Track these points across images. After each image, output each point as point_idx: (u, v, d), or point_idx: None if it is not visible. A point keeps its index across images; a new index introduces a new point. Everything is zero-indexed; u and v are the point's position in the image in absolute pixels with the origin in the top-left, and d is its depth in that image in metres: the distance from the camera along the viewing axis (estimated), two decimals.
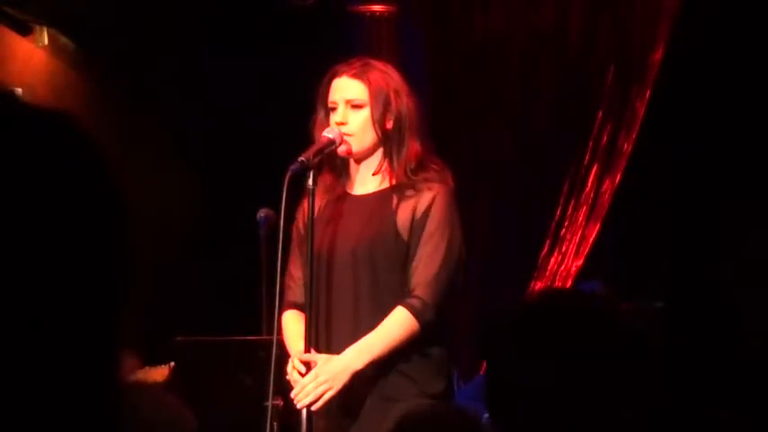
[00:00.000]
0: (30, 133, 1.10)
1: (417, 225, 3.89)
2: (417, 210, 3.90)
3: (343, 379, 3.79)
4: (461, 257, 3.95)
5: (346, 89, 3.95)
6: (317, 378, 3.78)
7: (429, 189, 3.91)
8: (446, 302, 3.90)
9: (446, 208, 3.91)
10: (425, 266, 3.87)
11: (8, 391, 1.07)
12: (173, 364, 4.71)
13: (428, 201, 3.90)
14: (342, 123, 3.93)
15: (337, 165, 4.02)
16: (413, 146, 3.94)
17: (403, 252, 3.89)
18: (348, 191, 4.03)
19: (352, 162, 4.02)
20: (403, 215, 3.91)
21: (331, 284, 3.92)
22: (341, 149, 3.94)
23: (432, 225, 3.89)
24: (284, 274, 3.96)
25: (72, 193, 1.10)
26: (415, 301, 3.84)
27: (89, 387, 1.11)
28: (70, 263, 1.09)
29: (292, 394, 3.81)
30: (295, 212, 4.04)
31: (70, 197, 1.10)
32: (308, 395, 3.78)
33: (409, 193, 3.92)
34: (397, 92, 3.95)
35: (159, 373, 4.77)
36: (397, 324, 3.83)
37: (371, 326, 3.84)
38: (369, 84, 3.93)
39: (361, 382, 3.88)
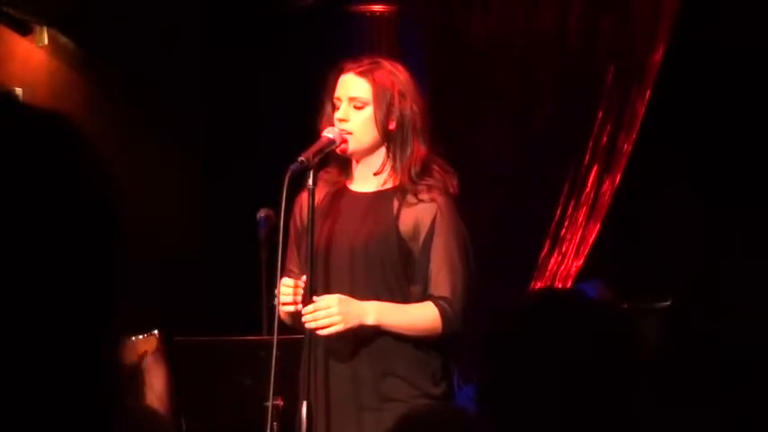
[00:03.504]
0: (27, 133, 1.10)
1: (425, 238, 3.89)
2: (421, 222, 3.90)
3: (353, 321, 3.79)
4: (472, 265, 3.97)
5: (350, 87, 3.95)
6: (330, 308, 3.78)
7: (431, 200, 3.91)
8: (468, 314, 3.92)
9: (451, 219, 3.91)
10: (446, 279, 3.88)
11: (3, 387, 1.07)
12: (156, 332, 4.69)
13: (431, 214, 3.90)
14: (343, 120, 3.93)
15: (342, 159, 4.03)
16: (417, 149, 3.93)
17: (403, 255, 3.89)
18: (348, 186, 4.04)
19: (353, 159, 4.03)
20: (406, 222, 3.91)
21: (329, 282, 3.92)
22: (338, 149, 3.94)
23: (441, 239, 3.89)
24: (283, 271, 3.96)
25: (68, 193, 1.10)
26: (447, 307, 3.85)
27: (87, 383, 1.11)
28: (66, 263, 1.09)
29: (303, 310, 3.81)
30: (293, 207, 4.05)
31: (67, 197, 1.10)
32: (316, 321, 3.79)
33: (411, 200, 3.92)
34: (402, 93, 3.94)
35: (148, 344, 4.74)
36: (424, 314, 3.85)
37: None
38: (373, 83, 3.93)
39: (360, 380, 3.88)
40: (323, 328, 3.78)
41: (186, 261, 6.42)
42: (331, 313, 3.77)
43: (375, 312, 3.82)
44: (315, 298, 3.81)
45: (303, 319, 3.79)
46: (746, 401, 2.13)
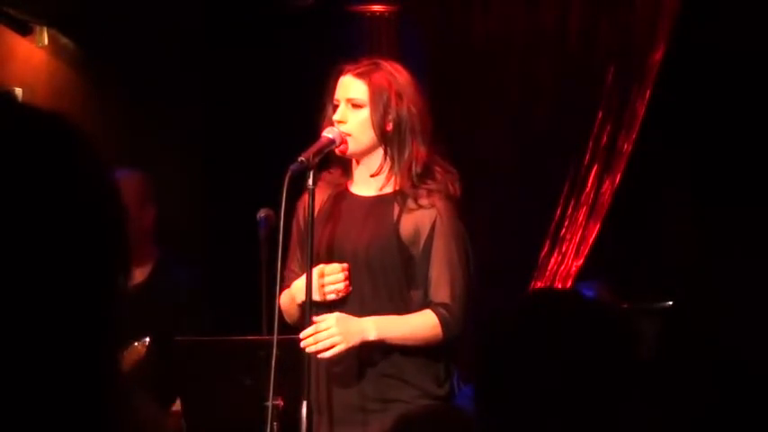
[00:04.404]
0: (27, 133, 1.11)
1: (425, 243, 3.89)
2: (421, 227, 3.89)
3: (354, 340, 3.79)
4: (472, 269, 3.97)
5: (348, 88, 3.95)
6: (330, 329, 3.78)
7: (431, 205, 3.90)
8: (468, 317, 3.92)
9: (451, 224, 3.91)
10: (446, 283, 3.87)
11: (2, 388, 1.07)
12: (148, 339, 4.69)
13: (431, 219, 3.89)
14: (341, 122, 3.93)
15: (344, 159, 4.03)
16: (417, 150, 3.93)
17: (404, 260, 3.89)
18: (349, 188, 4.04)
19: (354, 160, 4.03)
20: (406, 227, 3.90)
21: None
22: (338, 149, 3.95)
23: (441, 244, 3.89)
24: (283, 271, 3.96)
25: (68, 193, 1.10)
26: (446, 313, 3.84)
27: (87, 384, 1.11)
28: (66, 263, 1.09)
29: (302, 335, 3.81)
30: (295, 207, 4.04)
31: (66, 197, 1.10)
32: (317, 343, 3.78)
33: (411, 205, 3.91)
34: (399, 94, 3.93)
35: (136, 353, 4.74)
36: (424, 324, 3.84)
37: None
38: (370, 84, 3.93)
39: (362, 381, 3.88)
40: (325, 350, 3.77)
41: (186, 261, 6.41)
42: (332, 333, 3.77)
43: (375, 328, 3.81)
44: (315, 318, 3.81)
45: (303, 343, 3.79)
46: (746, 401, 2.13)
